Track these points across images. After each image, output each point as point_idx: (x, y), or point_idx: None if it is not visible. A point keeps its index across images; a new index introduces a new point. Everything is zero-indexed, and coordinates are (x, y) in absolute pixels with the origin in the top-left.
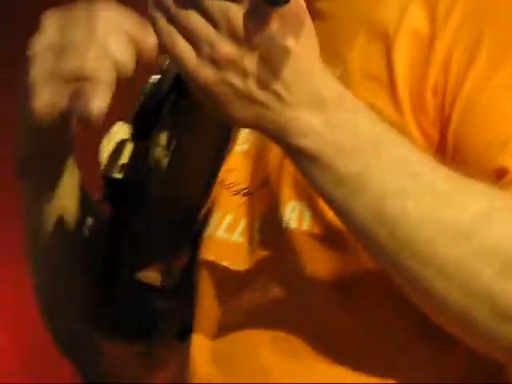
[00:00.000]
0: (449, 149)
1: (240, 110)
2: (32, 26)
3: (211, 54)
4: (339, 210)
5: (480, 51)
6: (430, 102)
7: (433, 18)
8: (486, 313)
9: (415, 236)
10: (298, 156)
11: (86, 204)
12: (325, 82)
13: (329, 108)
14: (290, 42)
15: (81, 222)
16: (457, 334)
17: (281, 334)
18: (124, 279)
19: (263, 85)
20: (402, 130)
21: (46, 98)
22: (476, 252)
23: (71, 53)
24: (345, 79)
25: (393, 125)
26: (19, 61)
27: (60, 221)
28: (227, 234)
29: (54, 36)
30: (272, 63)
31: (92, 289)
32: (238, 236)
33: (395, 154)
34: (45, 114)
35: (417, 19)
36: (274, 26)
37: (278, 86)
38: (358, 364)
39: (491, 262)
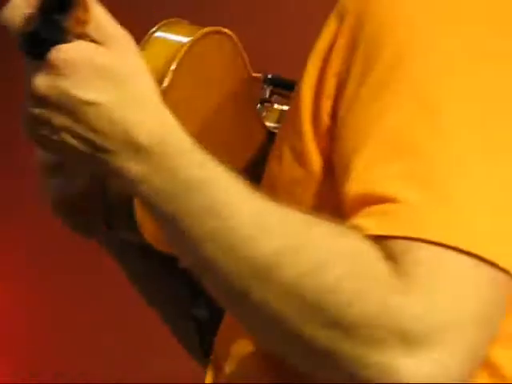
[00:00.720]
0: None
1: (84, 163)
2: None
3: (30, 119)
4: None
5: (351, 72)
6: (327, 123)
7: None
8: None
9: (229, 282)
10: (141, 198)
11: None
12: (141, 129)
13: (148, 155)
14: (90, 96)
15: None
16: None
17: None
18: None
19: (81, 139)
20: (301, 155)
21: None
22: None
23: None
24: None
25: (294, 154)
26: None
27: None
28: None
29: None
30: (81, 118)
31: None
32: None
33: (209, 197)
34: None
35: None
36: (63, 81)
37: (95, 138)
38: None
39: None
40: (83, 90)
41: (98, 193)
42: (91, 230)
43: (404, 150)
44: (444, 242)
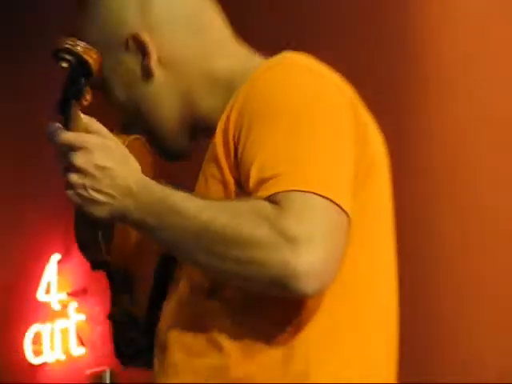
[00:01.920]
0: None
1: (97, 211)
2: None
3: (71, 185)
4: (166, 245)
5: (242, 128)
6: (232, 160)
7: (226, 123)
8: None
9: (188, 240)
10: (137, 224)
11: None
12: (131, 182)
13: (135, 193)
14: (106, 164)
15: None
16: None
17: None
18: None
19: (99, 191)
20: (223, 183)
21: None
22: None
23: None
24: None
25: (215, 180)
26: None
27: None
28: None
29: None
30: (100, 179)
31: None
32: None
33: (181, 209)
34: None
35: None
36: (90, 155)
37: (108, 190)
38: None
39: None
40: (102, 161)
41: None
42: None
43: (280, 157)
44: (305, 189)
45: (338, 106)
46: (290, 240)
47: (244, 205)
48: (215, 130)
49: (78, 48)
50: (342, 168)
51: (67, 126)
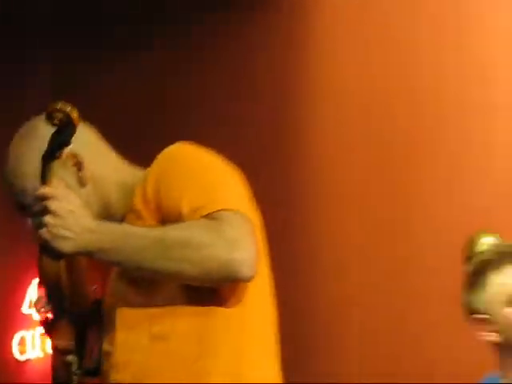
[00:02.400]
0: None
1: (65, 246)
2: None
3: (44, 222)
4: (125, 264)
5: (160, 186)
6: (153, 207)
7: (144, 188)
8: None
9: (149, 257)
10: (98, 251)
11: None
12: (89, 221)
13: (94, 229)
14: (73, 209)
15: None
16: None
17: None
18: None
19: (68, 229)
20: (146, 224)
21: None
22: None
23: None
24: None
25: (141, 221)
26: None
27: None
28: None
29: None
30: (68, 219)
31: None
32: None
33: (133, 234)
34: None
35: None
36: (61, 203)
37: (74, 228)
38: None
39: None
40: (69, 206)
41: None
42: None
43: (202, 193)
44: (227, 208)
45: (227, 164)
46: (229, 240)
47: (188, 222)
48: (123, 220)
49: (69, 108)
50: (242, 195)
51: (44, 179)
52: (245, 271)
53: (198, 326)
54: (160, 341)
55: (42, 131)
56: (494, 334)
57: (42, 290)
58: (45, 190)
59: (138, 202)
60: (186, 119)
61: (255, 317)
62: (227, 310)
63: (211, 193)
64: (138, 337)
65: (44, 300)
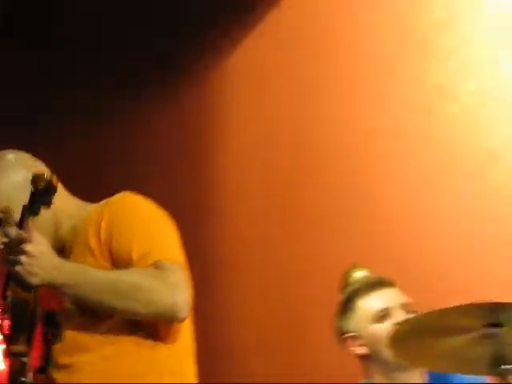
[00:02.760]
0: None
1: (34, 280)
2: None
3: (20, 260)
4: (82, 299)
5: (112, 232)
6: (104, 252)
7: (98, 230)
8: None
9: (104, 295)
10: (61, 285)
11: None
12: (55, 259)
13: (59, 267)
14: (44, 250)
15: None
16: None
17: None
18: None
19: (39, 267)
20: (97, 266)
21: None
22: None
23: None
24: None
25: (92, 264)
26: None
27: None
28: None
29: None
30: (40, 259)
31: None
32: None
33: (92, 275)
34: None
35: (93, 232)
36: (35, 246)
37: (44, 266)
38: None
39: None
40: (42, 248)
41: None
42: None
43: (149, 242)
44: (168, 258)
45: (167, 217)
46: (172, 287)
47: (139, 269)
48: (67, 244)
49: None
50: (177, 242)
51: (22, 225)
52: (183, 313)
53: (144, 350)
54: (109, 361)
55: (15, 172)
56: (362, 347)
57: None
58: (22, 235)
59: (93, 242)
60: (117, 172)
61: (186, 343)
62: (167, 337)
63: (156, 242)
64: (87, 357)
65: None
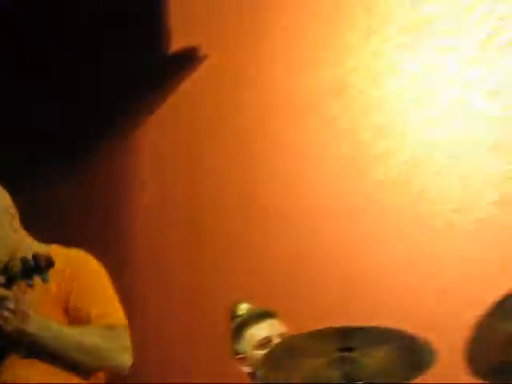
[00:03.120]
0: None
1: (14, 334)
2: None
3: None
4: (50, 348)
5: (73, 286)
6: (64, 304)
7: (61, 282)
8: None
9: (70, 350)
10: (33, 335)
11: None
12: (38, 317)
13: (32, 321)
14: (24, 307)
15: None
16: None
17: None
18: None
19: (17, 320)
20: (59, 322)
21: None
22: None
23: None
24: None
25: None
26: None
27: None
28: None
29: None
30: (20, 314)
31: None
32: None
33: (65, 333)
34: None
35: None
36: (23, 306)
37: (22, 319)
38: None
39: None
40: (22, 307)
41: None
42: None
43: (106, 304)
44: (118, 322)
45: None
46: (123, 348)
47: (97, 329)
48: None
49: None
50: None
51: (9, 286)
52: (127, 369)
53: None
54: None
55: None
56: (249, 367)
57: None
58: (8, 295)
59: (54, 287)
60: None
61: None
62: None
63: (111, 305)
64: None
65: None
